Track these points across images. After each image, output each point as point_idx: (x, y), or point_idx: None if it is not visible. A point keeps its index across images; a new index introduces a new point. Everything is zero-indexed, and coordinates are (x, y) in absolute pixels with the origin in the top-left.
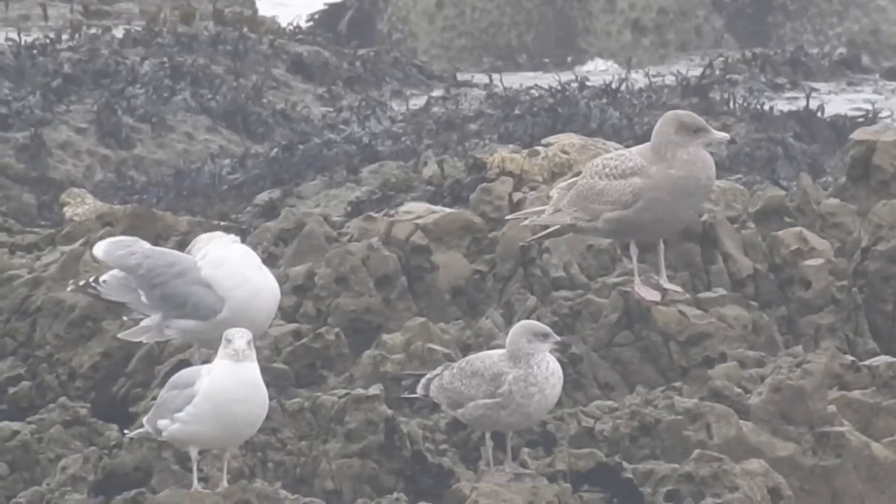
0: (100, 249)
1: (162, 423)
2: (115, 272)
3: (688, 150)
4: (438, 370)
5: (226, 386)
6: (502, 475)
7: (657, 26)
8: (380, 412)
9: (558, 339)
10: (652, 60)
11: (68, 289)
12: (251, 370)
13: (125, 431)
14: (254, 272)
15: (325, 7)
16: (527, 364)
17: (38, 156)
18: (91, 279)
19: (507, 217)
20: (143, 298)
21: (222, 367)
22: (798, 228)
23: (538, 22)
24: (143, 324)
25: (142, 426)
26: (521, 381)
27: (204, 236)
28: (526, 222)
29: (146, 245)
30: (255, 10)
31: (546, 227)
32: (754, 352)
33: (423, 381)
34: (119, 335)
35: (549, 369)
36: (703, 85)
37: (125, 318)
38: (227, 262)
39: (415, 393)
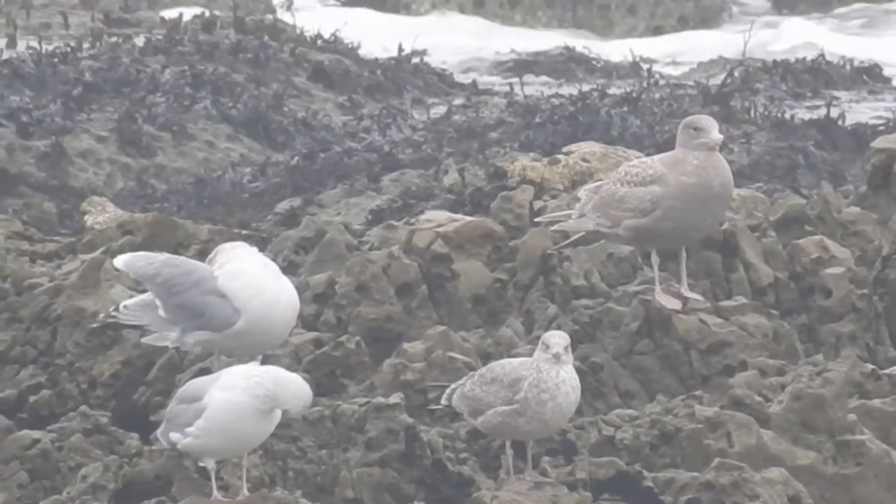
0: (121, 261)
1: (174, 436)
2: (134, 300)
3: (693, 152)
4: (463, 380)
5: (237, 402)
6: (523, 484)
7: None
8: (400, 421)
9: (554, 352)
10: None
11: (94, 325)
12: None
13: (150, 440)
14: (270, 283)
15: None
16: (538, 370)
17: (58, 164)
18: (112, 310)
19: (536, 219)
20: (161, 311)
21: (233, 386)
22: (819, 237)
23: (557, 28)
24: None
25: (157, 438)
26: (534, 387)
27: (226, 245)
28: (554, 227)
29: (164, 255)
30: (276, 18)
31: (569, 234)
32: (775, 360)
33: (447, 391)
34: (143, 339)
35: (558, 376)
36: (724, 93)
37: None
38: (244, 274)
39: (440, 404)
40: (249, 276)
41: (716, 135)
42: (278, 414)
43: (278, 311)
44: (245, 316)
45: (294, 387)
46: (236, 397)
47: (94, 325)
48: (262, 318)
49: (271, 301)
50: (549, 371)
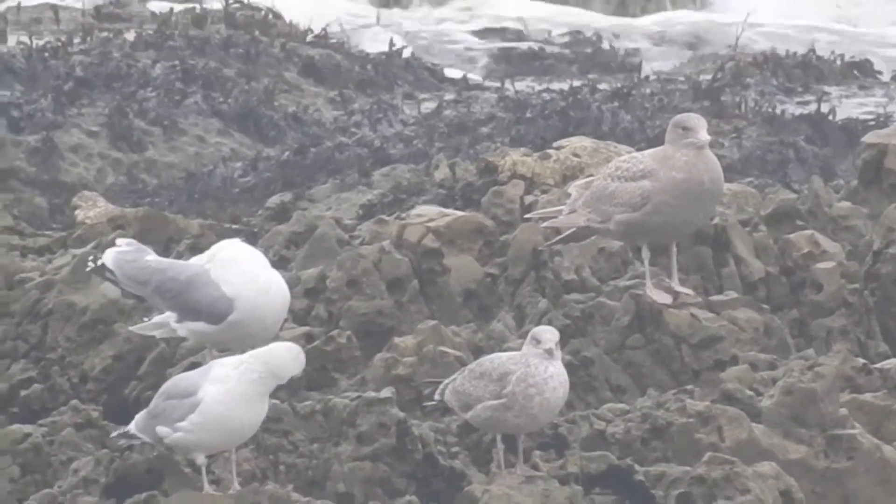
0: (109, 259)
1: (162, 430)
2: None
3: (682, 150)
4: (455, 375)
5: (235, 397)
6: (514, 478)
7: None
8: (391, 415)
9: (547, 348)
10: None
11: (87, 268)
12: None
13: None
14: (262, 271)
15: None
16: (526, 364)
17: (49, 159)
18: (99, 261)
19: (526, 216)
20: (158, 299)
21: (227, 378)
22: (809, 231)
23: None
24: (156, 319)
25: (128, 435)
26: (522, 381)
27: (223, 243)
28: (545, 224)
29: (151, 256)
30: (269, 12)
31: (561, 230)
32: (766, 354)
33: (440, 387)
34: (132, 328)
35: (547, 371)
36: (714, 88)
37: (145, 319)
38: (236, 262)
39: (433, 400)
40: (242, 264)
41: (704, 135)
42: (266, 404)
43: (271, 297)
44: (239, 303)
45: (282, 352)
46: (233, 388)
47: (90, 268)
48: (255, 306)
49: (264, 287)
50: (537, 366)
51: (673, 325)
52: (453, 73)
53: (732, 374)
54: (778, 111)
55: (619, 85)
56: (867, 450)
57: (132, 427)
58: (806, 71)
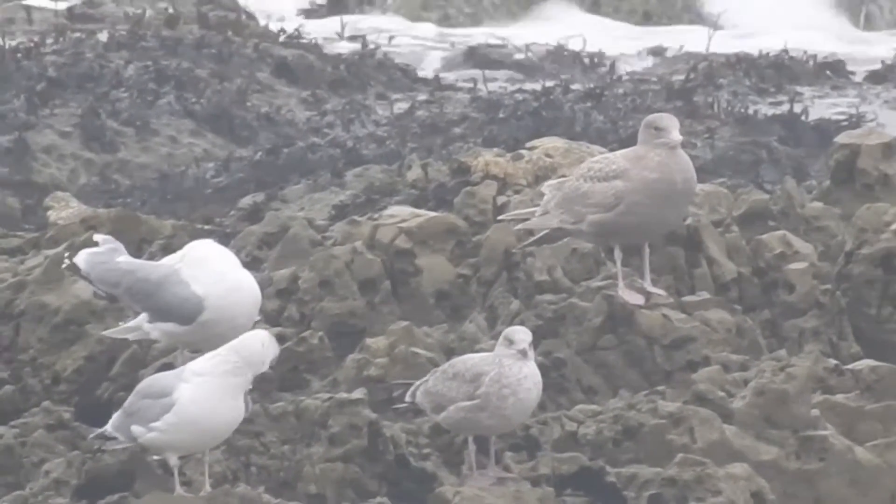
0: (81, 261)
1: (137, 430)
2: (103, 260)
3: (654, 150)
4: (427, 377)
5: (210, 398)
6: (485, 479)
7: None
8: (363, 416)
9: (521, 348)
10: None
11: (63, 265)
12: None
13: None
14: (232, 270)
15: None
16: (500, 365)
17: (22, 159)
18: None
19: (499, 217)
20: (129, 300)
21: (201, 374)
22: (782, 232)
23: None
24: (129, 324)
25: (106, 435)
26: (495, 382)
27: (194, 243)
28: (518, 226)
29: (123, 257)
30: (240, 14)
31: (534, 231)
32: (738, 355)
33: (412, 388)
34: (104, 332)
35: (521, 372)
36: (687, 88)
37: (120, 323)
38: (207, 261)
39: (404, 402)
40: (212, 263)
41: (676, 135)
42: (242, 405)
43: (241, 296)
44: (209, 302)
45: (250, 339)
46: (209, 382)
47: (65, 265)
48: (226, 305)
49: (235, 286)
50: (511, 366)
51: (645, 326)
52: (425, 73)
53: (704, 375)
54: (751, 111)
55: (591, 85)
56: (839, 451)
57: (109, 427)
58: (779, 71)
